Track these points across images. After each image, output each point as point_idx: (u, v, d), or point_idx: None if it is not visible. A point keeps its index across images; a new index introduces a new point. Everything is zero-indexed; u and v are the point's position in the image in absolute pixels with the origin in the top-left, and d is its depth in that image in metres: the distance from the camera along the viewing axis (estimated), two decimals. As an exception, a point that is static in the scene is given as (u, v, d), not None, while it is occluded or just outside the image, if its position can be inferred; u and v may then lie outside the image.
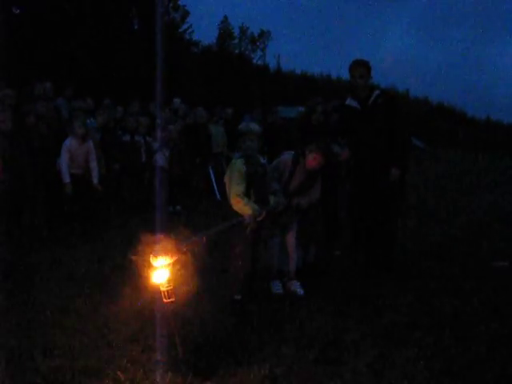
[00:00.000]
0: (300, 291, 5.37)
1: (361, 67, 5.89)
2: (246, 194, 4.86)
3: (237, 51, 39.68)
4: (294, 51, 68.55)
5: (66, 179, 7.98)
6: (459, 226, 8.64)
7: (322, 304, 5.00)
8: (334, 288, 5.46)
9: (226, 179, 5.05)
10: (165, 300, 3.57)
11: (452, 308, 4.93)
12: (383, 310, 4.89)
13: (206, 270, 5.83)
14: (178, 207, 10.17)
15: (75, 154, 8.12)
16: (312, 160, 5.37)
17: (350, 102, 6.02)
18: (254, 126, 5.08)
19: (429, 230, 8.33)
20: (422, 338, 4.27)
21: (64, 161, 8.00)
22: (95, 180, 8.34)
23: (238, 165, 4.93)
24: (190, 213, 9.45)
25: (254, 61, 41.12)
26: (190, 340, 4.12)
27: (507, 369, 3.79)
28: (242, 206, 4.81)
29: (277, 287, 5.36)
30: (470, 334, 4.34)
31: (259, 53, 41.75)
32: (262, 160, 5.17)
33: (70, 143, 8.09)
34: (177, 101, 12.58)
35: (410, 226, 8.22)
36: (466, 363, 3.86)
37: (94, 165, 8.34)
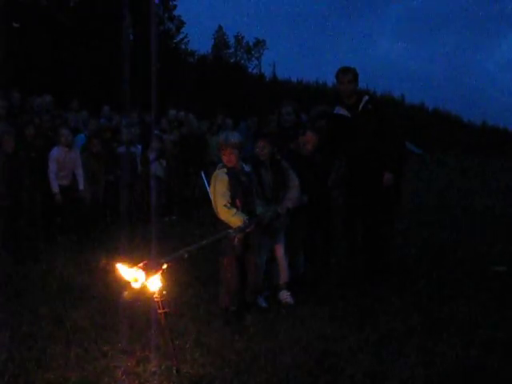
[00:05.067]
0: (291, 300, 5.32)
1: (348, 73, 5.90)
2: (232, 205, 4.81)
3: (232, 60, 39.87)
4: (289, 60, 68.99)
5: (55, 189, 8.03)
6: (457, 230, 8.63)
7: (318, 311, 4.97)
8: (330, 295, 5.43)
9: (211, 191, 4.99)
10: (159, 311, 3.55)
11: (450, 313, 4.91)
12: (380, 315, 4.86)
13: (200, 281, 5.83)
14: (174, 217, 10.18)
15: (63, 162, 8.16)
16: (259, 149, 5.35)
17: (338, 110, 6.00)
18: (233, 137, 4.95)
19: (426, 234, 8.31)
20: (420, 344, 4.24)
21: (52, 171, 8.04)
22: (81, 186, 8.41)
23: (221, 175, 4.88)
24: (186, 222, 9.43)
25: (250, 70, 41.34)
26: (185, 350, 4.10)
27: (506, 373, 3.77)
28: (229, 216, 4.73)
29: (261, 301, 5.30)
30: (469, 339, 4.31)
31: (255, 62, 41.99)
32: (247, 168, 5.11)
33: (57, 152, 8.13)
34: (173, 112, 12.59)
35: (406, 230, 8.20)
36: (464, 368, 3.84)
37: (79, 172, 8.42)
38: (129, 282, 3.48)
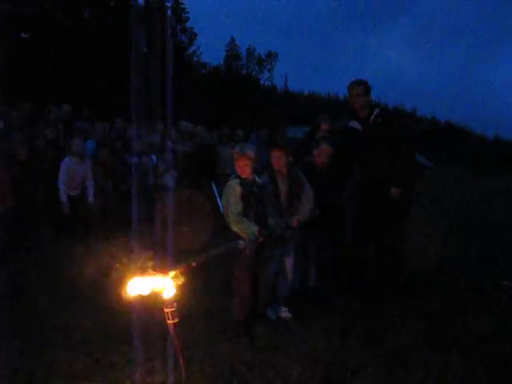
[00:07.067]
0: (289, 316, 5.28)
1: (358, 86, 5.89)
2: (244, 215, 4.81)
3: (244, 72, 39.99)
4: (301, 72, 69.22)
5: (63, 198, 8.08)
6: (467, 244, 8.58)
7: (327, 325, 4.96)
8: (340, 308, 5.42)
9: (223, 202, 5.01)
10: (168, 321, 3.55)
11: (460, 327, 4.88)
12: (389, 329, 4.84)
13: (211, 292, 5.82)
14: (186, 228, 10.16)
15: (74, 173, 8.21)
16: (275, 159, 5.36)
17: (352, 123, 6.02)
18: (249, 149, 4.97)
19: (436, 248, 8.26)
20: (429, 359, 4.22)
21: (62, 180, 8.09)
22: (90, 198, 8.45)
23: (233, 186, 4.89)
24: (197, 233, 9.43)
25: (262, 81, 41.41)
26: (194, 362, 4.10)
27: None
28: (241, 227, 4.75)
29: (271, 313, 5.30)
30: (478, 354, 4.28)
31: (266, 73, 42.05)
32: (258, 180, 5.11)
33: (68, 163, 8.17)
34: (184, 123, 12.62)
35: (416, 243, 8.15)
36: (474, 384, 3.82)
37: (90, 183, 8.47)
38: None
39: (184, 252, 4.32)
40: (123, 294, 3.34)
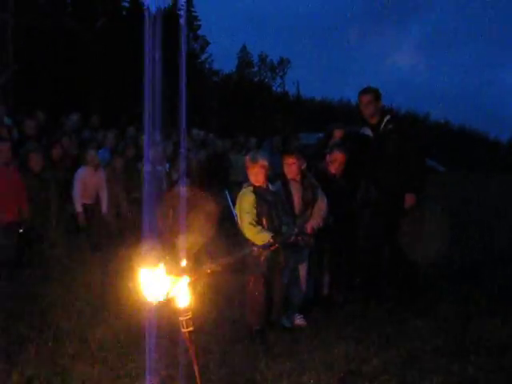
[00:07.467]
0: (303, 323, 5.26)
1: (367, 94, 5.91)
2: (258, 223, 4.80)
3: (256, 79, 40.11)
4: (313, 78, 69.25)
5: (79, 208, 8.13)
6: (482, 250, 8.50)
7: (341, 331, 4.94)
8: (354, 316, 5.39)
9: (237, 209, 5.02)
10: (183, 329, 3.54)
11: (477, 334, 4.83)
12: (405, 336, 4.81)
13: (225, 299, 5.81)
14: (198, 236, 10.16)
15: (88, 183, 8.26)
16: (288, 166, 5.35)
17: (363, 130, 6.03)
18: (262, 157, 4.96)
19: (452, 254, 8.19)
20: (447, 366, 4.18)
21: (77, 191, 8.14)
22: (104, 209, 8.48)
23: (247, 194, 4.90)
24: (210, 240, 9.43)
25: (274, 88, 41.48)
26: (209, 370, 4.09)
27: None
28: (254, 234, 4.75)
29: (285, 320, 5.27)
30: (497, 362, 4.23)
31: (279, 80, 42.11)
32: (272, 187, 5.10)
33: (83, 173, 8.22)
34: (196, 131, 12.66)
35: (432, 249, 8.09)
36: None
37: (103, 194, 8.50)
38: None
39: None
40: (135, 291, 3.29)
